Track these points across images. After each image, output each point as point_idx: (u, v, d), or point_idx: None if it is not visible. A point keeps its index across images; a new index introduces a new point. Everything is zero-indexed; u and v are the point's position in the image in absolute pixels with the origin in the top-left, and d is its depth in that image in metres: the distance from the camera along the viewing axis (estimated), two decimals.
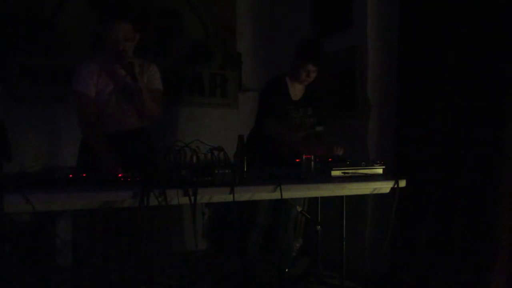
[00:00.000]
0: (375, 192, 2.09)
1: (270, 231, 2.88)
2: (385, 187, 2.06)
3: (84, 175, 1.76)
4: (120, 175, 1.75)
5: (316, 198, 2.79)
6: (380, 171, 2.17)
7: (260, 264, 2.94)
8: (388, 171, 2.19)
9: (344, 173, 2.08)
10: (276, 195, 1.77)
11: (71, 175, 1.73)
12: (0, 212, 1.38)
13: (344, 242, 2.34)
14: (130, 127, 2.37)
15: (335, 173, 2.07)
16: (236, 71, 3.89)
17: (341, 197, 2.30)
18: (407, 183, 2.06)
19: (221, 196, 1.72)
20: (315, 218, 2.78)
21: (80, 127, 2.31)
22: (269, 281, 2.86)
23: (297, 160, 2.13)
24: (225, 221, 3.61)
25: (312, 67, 2.59)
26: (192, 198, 1.63)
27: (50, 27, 3.19)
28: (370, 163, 2.18)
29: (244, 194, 1.78)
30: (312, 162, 2.06)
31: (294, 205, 2.69)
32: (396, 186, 2.02)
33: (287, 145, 2.60)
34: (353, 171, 2.10)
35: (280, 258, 2.87)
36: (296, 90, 2.73)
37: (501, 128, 2.15)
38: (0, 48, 3.03)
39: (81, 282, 2.41)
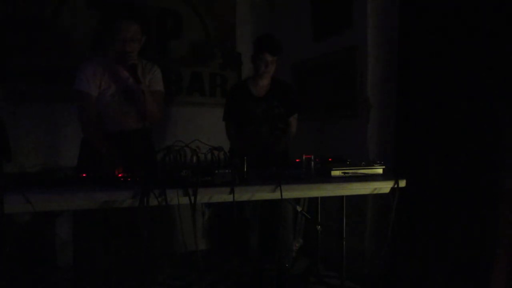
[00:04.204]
0: (375, 192, 2.09)
1: (269, 228, 2.88)
2: (385, 187, 2.06)
3: (84, 175, 1.76)
4: (120, 175, 1.75)
5: (316, 198, 2.79)
6: (380, 171, 2.17)
7: (261, 263, 2.94)
8: (388, 171, 2.19)
9: (344, 173, 2.08)
10: (276, 195, 1.77)
11: (71, 175, 1.73)
12: (0, 212, 1.37)
13: (344, 242, 2.34)
14: (131, 128, 2.37)
15: (335, 173, 2.07)
16: (236, 71, 3.90)
17: (341, 197, 2.30)
18: (407, 183, 2.06)
19: (221, 196, 1.72)
20: (315, 218, 2.78)
21: (82, 127, 2.31)
22: (269, 281, 2.86)
23: (297, 160, 2.14)
24: (225, 221, 3.61)
25: (269, 57, 2.67)
26: (192, 198, 1.63)
27: (50, 27, 3.19)
28: (370, 163, 2.18)
29: (244, 194, 1.78)
30: (312, 162, 2.06)
31: (291, 203, 2.69)
32: (396, 186, 2.02)
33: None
34: (353, 171, 2.10)
35: (280, 255, 2.87)
36: (260, 87, 2.81)
37: (501, 128, 2.15)
38: (0, 48, 3.03)
39: (81, 282, 2.41)
